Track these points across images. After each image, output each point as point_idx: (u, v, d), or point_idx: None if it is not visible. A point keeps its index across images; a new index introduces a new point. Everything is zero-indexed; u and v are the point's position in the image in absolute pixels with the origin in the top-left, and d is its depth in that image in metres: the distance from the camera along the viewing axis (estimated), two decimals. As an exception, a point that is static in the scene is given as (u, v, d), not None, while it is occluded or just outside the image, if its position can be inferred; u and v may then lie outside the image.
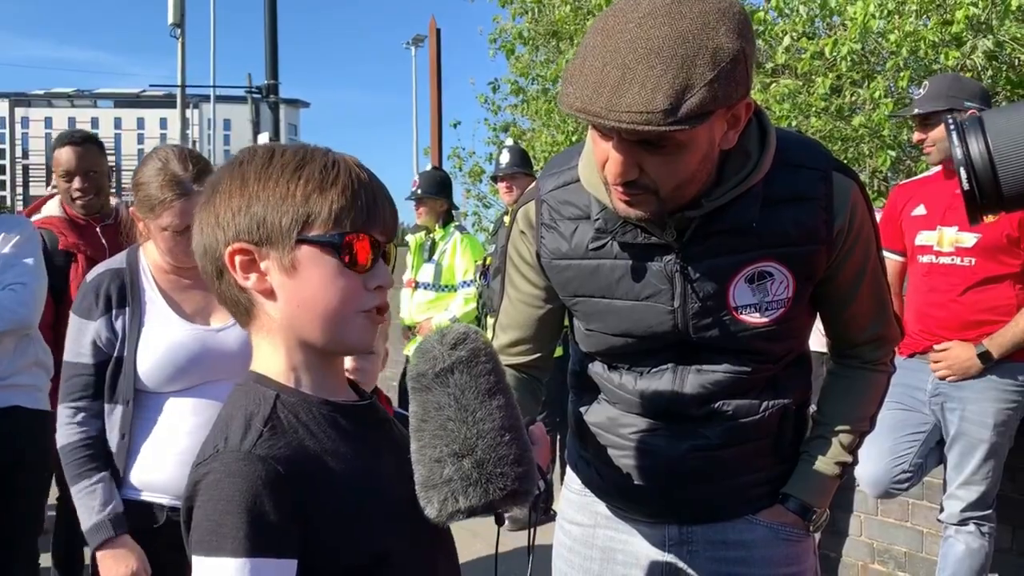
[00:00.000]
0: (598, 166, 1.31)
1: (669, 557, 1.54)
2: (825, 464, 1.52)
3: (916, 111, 2.95)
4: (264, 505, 0.92)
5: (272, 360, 1.06)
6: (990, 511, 2.90)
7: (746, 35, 1.20)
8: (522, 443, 1.08)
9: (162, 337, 1.94)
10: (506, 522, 1.17)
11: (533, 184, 1.56)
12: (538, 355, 1.63)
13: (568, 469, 1.71)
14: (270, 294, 1.03)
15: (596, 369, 1.55)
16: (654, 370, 1.47)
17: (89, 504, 1.90)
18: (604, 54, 1.18)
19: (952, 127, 1.14)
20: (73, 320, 1.98)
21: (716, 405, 1.46)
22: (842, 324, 1.55)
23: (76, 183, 3.21)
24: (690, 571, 1.53)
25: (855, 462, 1.55)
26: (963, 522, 2.89)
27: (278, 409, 1.01)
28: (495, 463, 1.05)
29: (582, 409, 1.60)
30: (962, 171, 1.11)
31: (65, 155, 3.20)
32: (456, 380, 1.07)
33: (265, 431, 0.98)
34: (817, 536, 1.60)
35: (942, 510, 2.98)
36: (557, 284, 1.50)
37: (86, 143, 3.26)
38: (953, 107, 2.84)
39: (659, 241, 1.37)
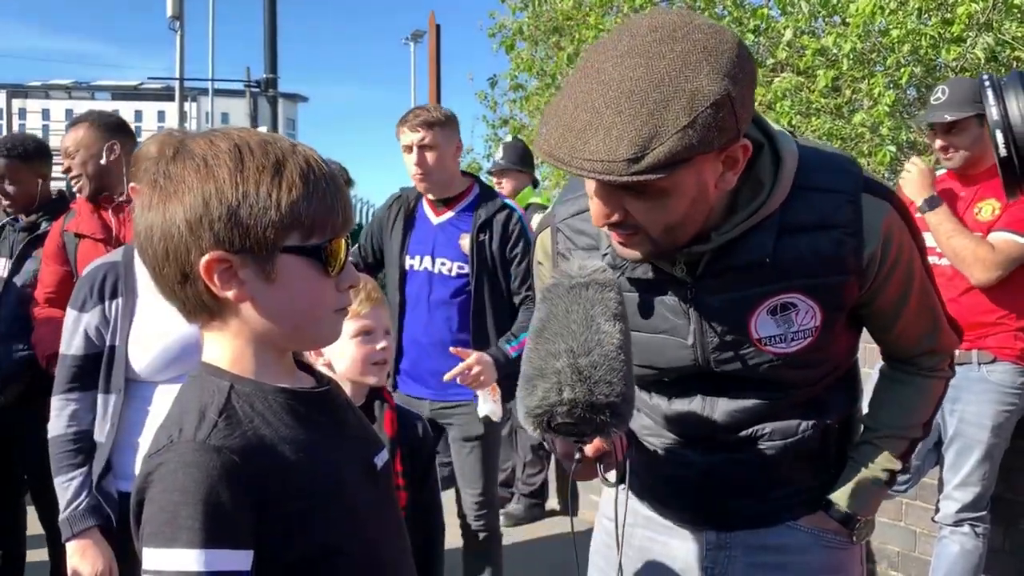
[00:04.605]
0: None
1: (707, 562, 1.48)
2: (872, 472, 1.45)
3: (947, 118, 2.89)
4: (220, 496, 0.91)
5: (226, 351, 1.04)
6: (985, 512, 2.89)
7: (736, 75, 1.11)
8: (631, 372, 1.11)
9: (153, 326, 1.94)
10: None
11: (549, 210, 1.53)
12: None
13: None
14: (244, 300, 1.00)
15: None
16: (682, 396, 1.42)
17: (64, 497, 1.94)
18: (578, 95, 1.13)
19: (988, 84, 1.05)
20: (68, 313, 2.01)
21: (750, 431, 1.39)
22: (891, 341, 1.47)
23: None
24: (727, 575, 1.48)
25: (906, 469, 1.47)
26: (958, 523, 2.89)
27: (232, 399, 0.99)
28: (607, 370, 1.07)
29: None
30: (999, 134, 1.02)
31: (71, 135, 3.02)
32: (589, 295, 1.11)
33: (220, 421, 0.96)
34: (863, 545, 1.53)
35: (937, 511, 2.97)
36: None
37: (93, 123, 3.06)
38: (981, 112, 2.82)
39: (671, 276, 1.31)
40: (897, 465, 1.46)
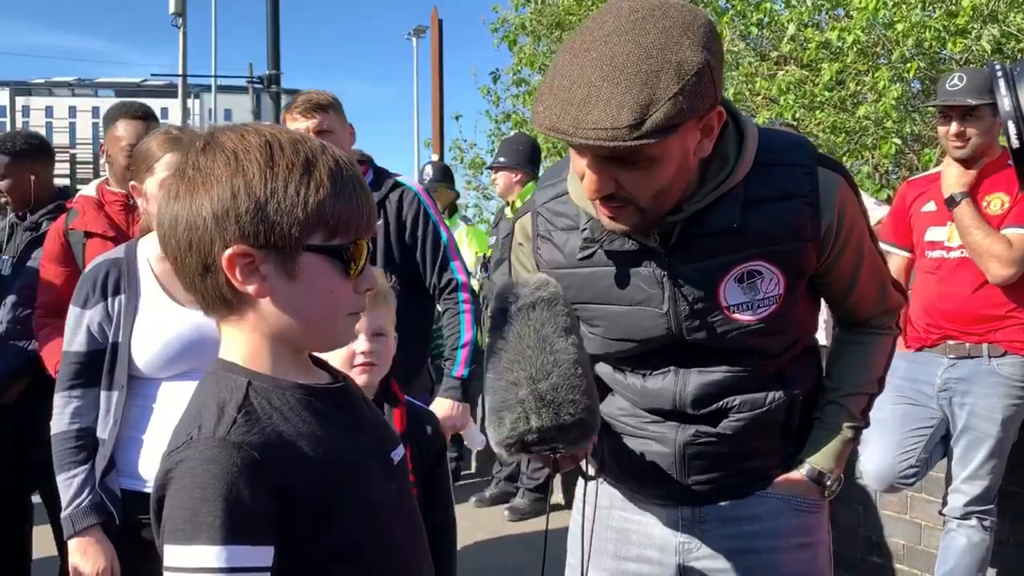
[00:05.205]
0: (579, 180, 1.34)
1: (683, 536, 1.56)
2: (838, 429, 1.54)
3: (969, 101, 2.86)
4: (240, 492, 0.91)
5: (242, 347, 1.04)
6: (992, 505, 2.89)
7: (711, 47, 1.22)
8: (591, 382, 1.15)
9: (156, 323, 1.94)
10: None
11: (530, 196, 1.59)
12: None
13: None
14: (264, 296, 1.00)
15: (603, 370, 1.58)
16: (656, 372, 1.49)
17: (66, 495, 1.94)
18: (571, 73, 1.21)
19: (999, 73, 1.03)
20: (71, 310, 2.00)
21: (722, 403, 1.47)
22: (847, 308, 1.58)
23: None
24: (704, 549, 1.55)
25: (866, 424, 1.58)
26: (965, 516, 2.89)
27: (251, 396, 0.99)
28: (568, 390, 1.12)
29: None
30: (1011, 126, 1.00)
31: (131, 129, 2.91)
32: (537, 315, 1.15)
33: (239, 418, 0.96)
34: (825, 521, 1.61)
35: (944, 504, 2.97)
36: None
37: (150, 118, 2.99)
38: (994, 102, 2.80)
39: (645, 247, 1.39)
40: (861, 422, 1.56)
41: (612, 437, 1.58)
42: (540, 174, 5.42)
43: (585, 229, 1.42)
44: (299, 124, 2.60)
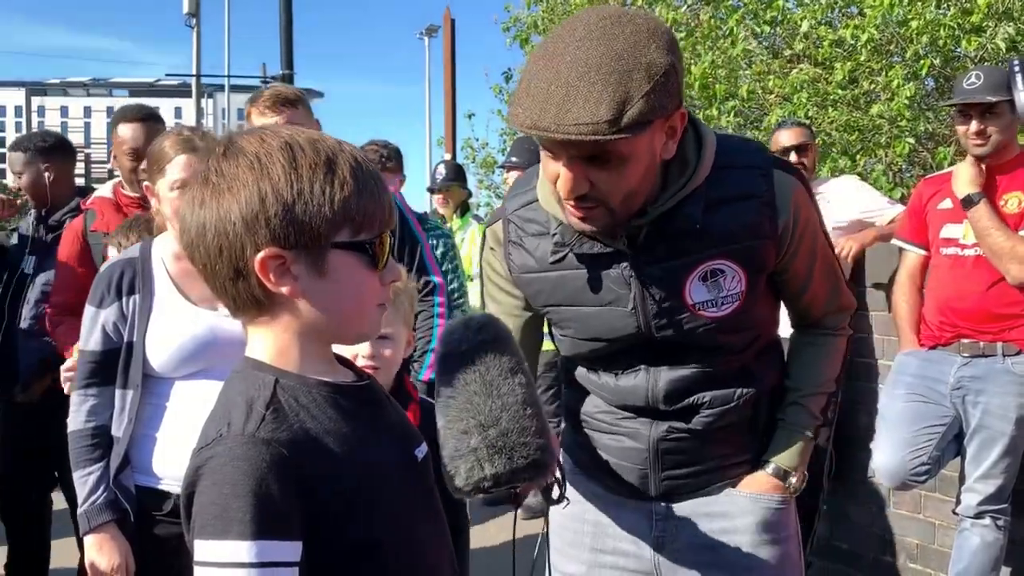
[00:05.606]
0: (551, 184, 1.39)
1: (657, 531, 1.62)
2: (801, 429, 1.62)
3: (988, 99, 2.81)
4: (270, 488, 0.92)
5: (270, 346, 1.05)
6: (1006, 504, 2.88)
7: (674, 51, 1.31)
8: (542, 419, 1.16)
9: (170, 322, 1.96)
10: (521, 509, 1.22)
11: (501, 204, 1.66)
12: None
13: (562, 451, 1.76)
14: (297, 296, 1.01)
15: (577, 371, 1.66)
16: (628, 371, 1.56)
17: (82, 492, 1.97)
18: (548, 75, 1.27)
19: (1018, 69, 1.03)
20: (87, 309, 2.03)
21: (691, 399, 1.54)
22: (802, 305, 1.65)
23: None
24: (677, 542, 1.61)
25: (826, 423, 1.64)
26: (979, 515, 2.88)
27: (278, 393, 1.01)
28: (519, 433, 1.13)
29: (571, 398, 1.70)
30: None
31: (131, 132, 2.97)
32: (484, 359, 1.16)
33: (268, 415, 0.97)
34: (794, 511, 1.66)
35: (958, 503, 2.96)
36: (528, 296, 1.61)
37: (150, 118, 3.03)
38: (1011, 99, 2.78)
39: (613, 249, 1.46)
40: (820, 420, 1.64)
41: (588, 435, 1.66)
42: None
43: (556, 234, 1.48)
44: (266, 119, 2.52)
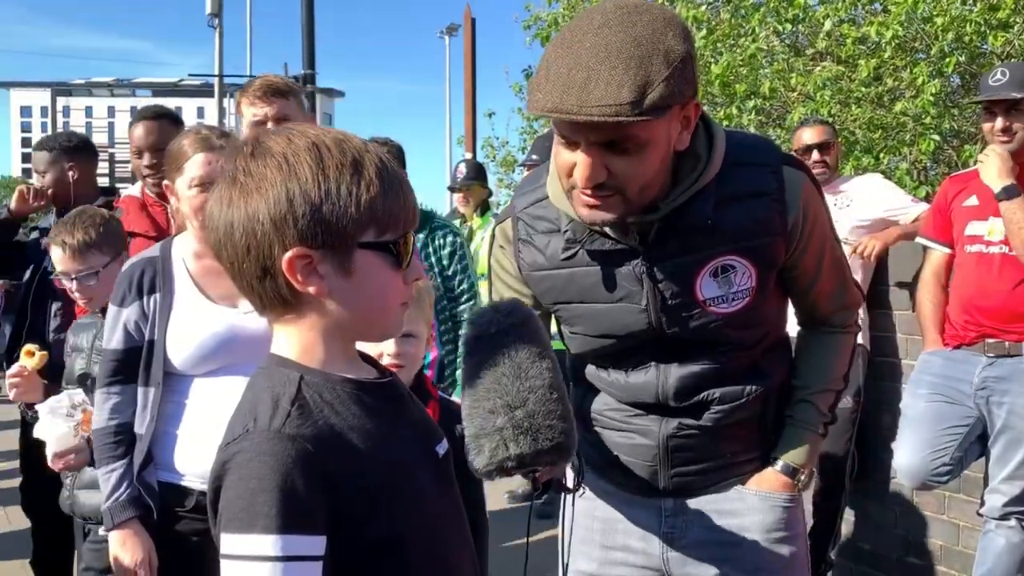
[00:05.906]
0: (564, 176, 1.39)
1: (666, 527, 1.63)
2: (809, 426, 1.63)
3: (1013, 95, 2.82)
4: (295, 483, 0.93)
5: (295, 343, 1.06)
6: (1032, 506, 2.85)
7: (689, 40, 1.33)
8: (566, 404, 1.18)
9: (190, 320, 1.98)
10: (543, 491, 1.25)
11: (509, 202, 1.66)
12: None
13: None
14: (324, 295, 1.02)
15: (587, 369, 1.66)
16: (638, 368, 1.57)
17: (106, 488, 1.99)
18: (568, 61, 1.28)
19: None
20: (109, 309, 2.06)
21: (701, 396, 1.55)
22: (810, 302, 1.65)
23: (145, 159, 3.08)
24: (686, 539, 1.62)
25: (834, 420, 1.66)
26: (1004, 516, 2.85)
27: (303, 389, 1.02)
28: (544, 415, 1.15)
29: (581, 396, 1.70)
30: None
31: (136, 131, 3.07)
32: (510, 342, 1.18)
33: (293, 411, 0.99)
34: (809, 513, 1.69)
35: (982, 504, 2.93)
36: (538, 293, 1.61)
37: (159, 118, 3.11)
38: None
39: (625, 246, 1.46)
40: (829, 417, 1.65)
41: (597, 432, 1.66)
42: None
43: (567, 231, 1.49)
44: (256, 110, 2.44)
